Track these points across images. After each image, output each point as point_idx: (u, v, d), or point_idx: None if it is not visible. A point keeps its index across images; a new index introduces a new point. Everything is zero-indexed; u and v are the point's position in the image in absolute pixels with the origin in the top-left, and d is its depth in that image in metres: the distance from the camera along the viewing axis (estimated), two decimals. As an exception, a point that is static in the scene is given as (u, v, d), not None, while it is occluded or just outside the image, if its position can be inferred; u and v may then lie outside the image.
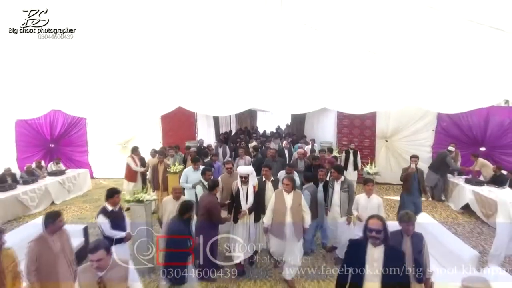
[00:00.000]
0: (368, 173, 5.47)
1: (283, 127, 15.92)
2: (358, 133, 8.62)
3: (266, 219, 3.89)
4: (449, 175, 7.27)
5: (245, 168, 4.23)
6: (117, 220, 3.24)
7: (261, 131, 14.54)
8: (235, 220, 4.08)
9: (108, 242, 3.05)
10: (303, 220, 3.82)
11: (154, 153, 6.58)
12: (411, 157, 5.50)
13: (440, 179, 7.14)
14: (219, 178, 4.60)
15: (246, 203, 4.03)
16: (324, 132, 9.69)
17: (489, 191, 5.80)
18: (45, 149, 9.29)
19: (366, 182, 4.07)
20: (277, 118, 15.85)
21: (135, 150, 6.55)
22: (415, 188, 5.25)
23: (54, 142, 9.29)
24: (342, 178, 4.34)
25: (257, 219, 4.11)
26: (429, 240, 2.96)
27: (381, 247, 2.27)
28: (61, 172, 7.47)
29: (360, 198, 4.06)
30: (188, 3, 3.74)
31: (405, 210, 4.22)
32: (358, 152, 7.60)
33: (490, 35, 3.62)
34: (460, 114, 7.61)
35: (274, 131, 13.97)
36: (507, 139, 7.64)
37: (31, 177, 6.68)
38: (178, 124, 9.07)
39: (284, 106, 6.91)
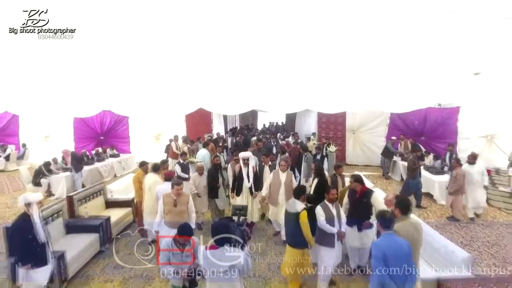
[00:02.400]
0: (330, 152, 8.30)
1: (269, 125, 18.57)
2: (333, 127, 11.48)
3: (264, 191, 5.00)
4: (395, 158, 10.11)
5: (245, 153, 5.38)
6: (184, 169, 6.13)
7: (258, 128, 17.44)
8: (238, 194, 5.17)
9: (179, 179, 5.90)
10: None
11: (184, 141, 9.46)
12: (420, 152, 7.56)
13: (386, 161, 9.92)
14: (229, 165, 5.72)
15: (248, 181, 5.07)
16: (309, 127, 12.61)
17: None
18: (96, 140, 12.13)
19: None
20: (273, 117, 18.64)
21: (175, 138, 9.41)
22: (418, 174, 6.92)
23: (103, 135, 12.14)
24: (306, 153, 6.85)
25: (253, 194, 5.10)
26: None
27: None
28: (117, 155, 10.36)
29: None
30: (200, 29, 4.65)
31: (409, 191, 6.70)
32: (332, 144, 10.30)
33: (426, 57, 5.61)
34: (405, 113, 10.43)
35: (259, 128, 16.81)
36: (439, 131, 10.50)
37: (99, 157, 9.56)
38: (199, 120, 11.92)
39: (278, 107, 9.48)
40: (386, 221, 2.72)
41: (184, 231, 2.87)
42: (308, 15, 4.48)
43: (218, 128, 12.93)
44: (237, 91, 7.89)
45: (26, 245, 3.17)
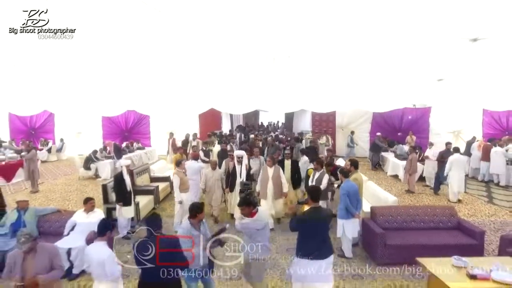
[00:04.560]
0: (321, 144, 10.22)
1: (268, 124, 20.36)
2: (325, 125, 13.41)
3: (258, 188, 5.51)
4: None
5: (239, 151, 6.00)
6: (206, 154, 8.07)
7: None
8: (231, 190, 5.64)
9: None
10: (282, 186, 5.37)
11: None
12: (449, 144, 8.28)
13: (374, 154, 11.73)
14: (223, 162, 6.15)
15: (240, 177, 5.54)
16: (305, 125, 14.62)
17: (387, 154, 10.65)
18: (121, 136, 14.03)
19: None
20: (273, 116, 20.63)
21: (171, 135, 11.21)
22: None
23: (128, 132, 14.08)
24: (297, 144, 8.88)
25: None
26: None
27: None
28: (143, 148, 12.34)
29: None
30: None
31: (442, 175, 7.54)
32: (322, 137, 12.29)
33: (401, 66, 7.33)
34: (386, 112, 12.31)
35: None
36: (414, 127, 12.45)
37: (129, 149, 11.52)
38: (210, 119, 13.85)
39: (278, 107, 11.24)
40: (345, 173, 4.71)
41: (195, 209, 3.08)
42: (301, 33, 5.50)
43: (226, 126, 14.92)
44: (244, 94, 9.74)
45: (120, 190, 5.13)
